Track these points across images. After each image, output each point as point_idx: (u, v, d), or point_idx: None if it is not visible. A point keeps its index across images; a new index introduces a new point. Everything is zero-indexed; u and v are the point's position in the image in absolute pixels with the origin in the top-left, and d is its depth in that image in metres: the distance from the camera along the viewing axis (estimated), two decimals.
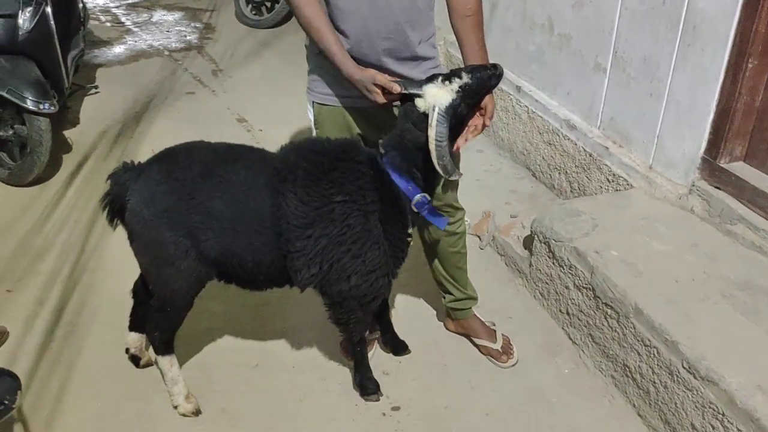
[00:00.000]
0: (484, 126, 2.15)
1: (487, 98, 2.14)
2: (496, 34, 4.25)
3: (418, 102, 2.03)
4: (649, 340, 2.41)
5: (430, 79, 2.04)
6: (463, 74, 2.02)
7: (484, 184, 4.00)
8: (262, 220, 2.19)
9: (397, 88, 2.06)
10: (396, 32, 2.20)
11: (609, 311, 2.60)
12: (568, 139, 3.62)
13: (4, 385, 0.99)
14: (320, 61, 2.30)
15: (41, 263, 3.30)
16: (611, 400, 2.62)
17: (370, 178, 2.18)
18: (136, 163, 2.34)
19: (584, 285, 2.73)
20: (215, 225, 2.19)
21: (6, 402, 0.98)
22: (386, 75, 2.12)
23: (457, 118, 2.05)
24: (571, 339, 2.88)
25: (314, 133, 2.45)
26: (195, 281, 2.30)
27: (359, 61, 2.19)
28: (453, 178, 2.11)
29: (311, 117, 2.43)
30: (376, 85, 2.11)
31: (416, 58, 2.28)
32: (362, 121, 2.38)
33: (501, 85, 4.12)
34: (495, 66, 2.08)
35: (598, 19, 3.34)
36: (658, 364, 2.39)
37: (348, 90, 2.27)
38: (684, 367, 2.27)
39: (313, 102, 2.40)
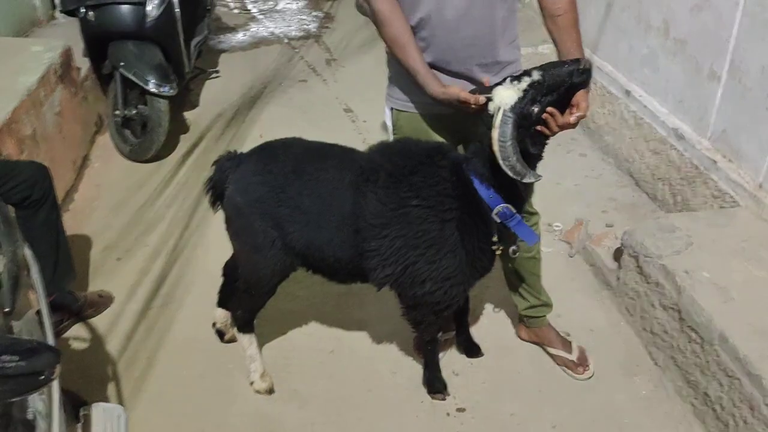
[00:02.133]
0: (568, 125, 2.02)
1: (579, 95, 2.00)
2: (609, 35, 4.10)
3: (490, 105, 1.99)
4: (732, 371, 2.27)
5: (505, 80, 2.00)
6: (534, 72, 1.95)
7: (583, 189, 3.89)
8: (344, 218, 2.25)
9: (481, 100, 2.02)
10: (477, 37, 2.18)
11: (693, 335, 2.48)
12: (675, 149, 3.45)
13: (44, 359, 1.11)
14: (400, 68, 2.32)
15: (149, 235, 3.57)
16: (688, 428, 2.49)
17: (451, 185, 2.16)
18: (238, 152, 2.47)
19: (670, 305, 2.61)
20: (301, 219, 2.28)
21: (45, 374, 1.10)
22: (465, 91, 2.07)
23: (530, 118, 1.97)
24: (653, 359, 2.76)
25: (391, 139, 2.48)
26: (280, 270, 2.42)
27: (442, 69, 2.20)
28: (527, 180, 2.01)
29: (389, 123, 2.46)
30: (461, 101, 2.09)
31: (498, 63, 2.26)
32: (440, 127, 2.38)
33: (610, 87, 4.05)
34: (577, 61, 1.95)
35: (715, 25, 3.15)
36: (739, 397, 2.25)
37: (426, 96, 2.28)
38: (766, 404, 2.13)
39: (391, 108, 2.43)
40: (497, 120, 1.96)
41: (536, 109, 1.96)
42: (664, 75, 3.61)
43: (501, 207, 2.12)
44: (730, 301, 2.45)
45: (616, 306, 3.03)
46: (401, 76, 2.31)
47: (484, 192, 2.13)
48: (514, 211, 2.14)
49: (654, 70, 3.70)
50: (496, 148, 1.97)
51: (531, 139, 2.02)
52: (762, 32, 2.87)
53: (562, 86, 1.96)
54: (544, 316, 2.77)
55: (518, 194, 2.15)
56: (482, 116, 2.06)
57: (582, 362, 2.72)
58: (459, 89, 2.10)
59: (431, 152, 2.23)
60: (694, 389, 2.51)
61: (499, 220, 2.15)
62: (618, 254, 3.03)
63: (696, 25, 3.31)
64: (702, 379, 2.45)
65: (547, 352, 2.78)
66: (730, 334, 2.31)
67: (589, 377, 2.71)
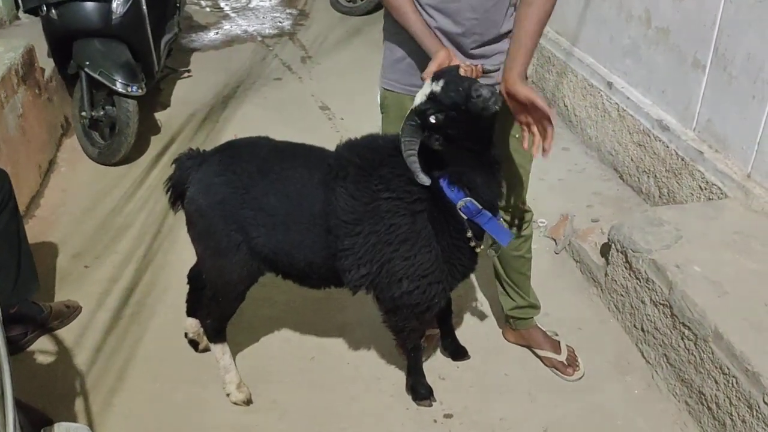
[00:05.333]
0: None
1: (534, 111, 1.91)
2: (590, 26, 4.03)
3: None
4: (728, 368, 2.19)
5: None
6: (440, 81, 1.86)
7: (567, 184, 3.81)
8: (314, 217, 2.15)
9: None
10: (477, 10, 2.07)
11: (686, 332, 2.39)
12: (660, 140, 3.37)
13: None
14: (391, 47, 2.25)
15: (119, 241, 3.41)
16: (683, 428, 2.41)
17: None
18: (201, 150, 2.35)
19: (661, 301, 2.52)
20: (267, 221, 2.18)
21: None
22: (437, 64, 1.97)
23: (427, 124, 1.89)
24: (644, 357, 2.68)
25: (381, 117, 2.39)
26: (246, 275, 2.30)
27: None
28: (417, 179, 1.98)
29: (378, 101, 2.38)
30: None
31: (497, 40, 2.15)
32: None
33: (591, 79, 3.97)
34: (477, 88, 1.82)
35: (699, 12, 3.08)
36: (736, 395, 2.17)
37: (414, 78, 2.18)
38: (765, 402, 2.05)
39: (381, 87, 2.34)
40: (408, 114, 1.95)
41: (433, 120, 1.89)
42: (646, 65, 3.54)
43: (464, 201, 2.02)
44: (723, 296, 2.37)
45: (604, 303, 2.95)
46: (391, 55, 2.25)
47: (445, 185, 2.03)
48: (480, 207, 2.02)
49: (636, 61, 3.63)
50: (400, 139, 1.97)
51: (441, 141, 1.95)
52: (747, 18, 2.80)
53: (459, 107, 1.86)
54: (531, 317, 2.67)
55: (483, 188, 2.03)
56: None
57: (571, 363, 2.63)
58: (445, 57, 1.99)
59: (398, 144, 2.13)
60: (689, 388, 2.42)
61: (465, 216, 2.05)
62: (605, 249, 2.94)
63: (678, 13, 3.23)
64: (696, 377, 2.37)
65: (536, 354, 2.69)
66: (725, 330, 2.23)
67: (580, 378, 2.62)
